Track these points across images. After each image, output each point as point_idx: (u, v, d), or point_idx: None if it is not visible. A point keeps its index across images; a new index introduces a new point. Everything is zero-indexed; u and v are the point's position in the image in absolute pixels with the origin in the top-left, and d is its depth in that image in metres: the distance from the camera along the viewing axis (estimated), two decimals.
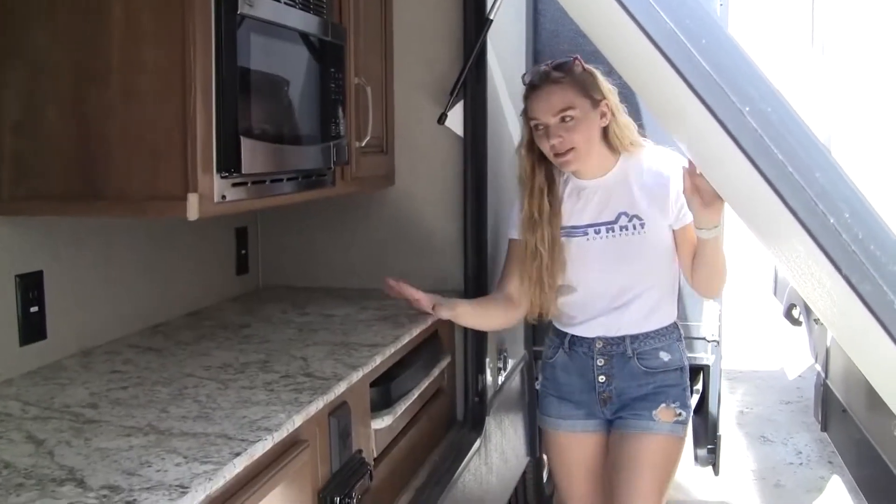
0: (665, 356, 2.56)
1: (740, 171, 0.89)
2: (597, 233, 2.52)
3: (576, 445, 2.68)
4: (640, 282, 2.53)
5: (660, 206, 2.48)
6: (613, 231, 2.51)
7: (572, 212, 2.56)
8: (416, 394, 2.55)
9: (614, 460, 2.62)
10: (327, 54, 2.48)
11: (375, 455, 2.34)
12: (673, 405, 2.55)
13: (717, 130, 0.89)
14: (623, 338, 2.56)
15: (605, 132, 2.48)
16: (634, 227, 2.49)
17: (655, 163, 2.51)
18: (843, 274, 0.87)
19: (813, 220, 0.88)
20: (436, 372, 2.79)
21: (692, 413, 2.68)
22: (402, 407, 2.42)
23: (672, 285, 2.60)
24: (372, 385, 2.32)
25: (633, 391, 2.55)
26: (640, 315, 2.55)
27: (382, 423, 2.32)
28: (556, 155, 2.44)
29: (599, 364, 2.56)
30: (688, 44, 0.87)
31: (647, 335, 2.56)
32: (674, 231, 2.51)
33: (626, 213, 2.50)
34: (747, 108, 0.89)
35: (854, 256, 0.88)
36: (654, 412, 2.54)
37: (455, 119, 3.03)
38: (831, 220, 0.88)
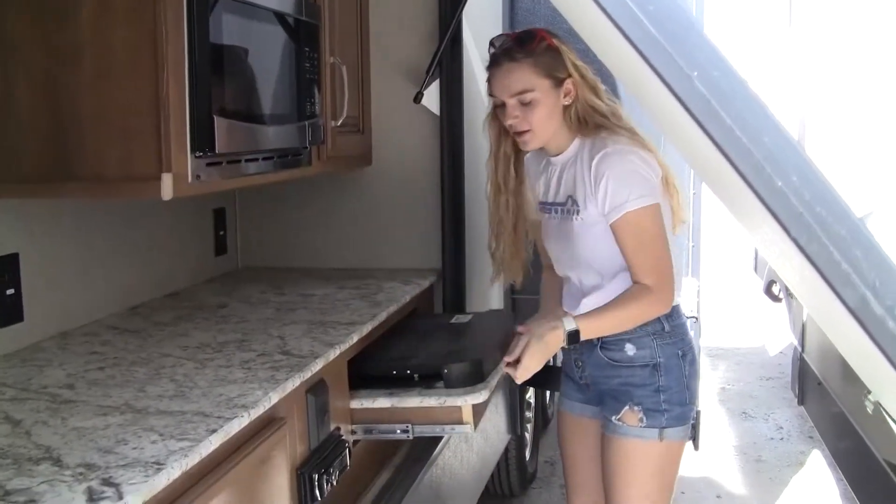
0: (630, 350, 2.39)
1: (693, 137, 0.90)
2: (555, 212, 2.46)
3: (571, 425, 2.61)
4: (590, 272, 2.43)
5: (589, 195, 2.36)
6: (560, 213, 2.43)
7: (543, 187, 2.50)
8: None
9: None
10: (302, 34, 2.48)
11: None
12: (636, 408, 2.40)
13: (668, 96, 0.90)
14: None
15: (567, 110, 2.37)
16: (572, 212, 2.39)
17: (600, 149, 2.35)
18: (792, 236, 0.89)
19: (761, 182, 0.90)
20: None
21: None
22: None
23: None
24: (351, 365, 2.32)
25: (603, 383, 2.43)
26: (601, 304, 2.40)
27: (362, 404, 2.32)
28: (515, 133, 2.38)
29: (575, 348, 2.47)
30: (636, 10, 0.88)
31: None
32: None
33: (571, 197, 2.40)
34: (695, 74, 0.90)
35: (802, 218, 0.89)
36: (615, 416, 2.42)
37: (431, 98, 3.03)
38: (779, 183, 0.89)
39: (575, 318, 2.30)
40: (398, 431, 2.28)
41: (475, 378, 2.23)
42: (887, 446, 3.21)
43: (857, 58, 4.30)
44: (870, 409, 3.34)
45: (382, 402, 2.22)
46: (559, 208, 2.44)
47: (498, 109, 2.40)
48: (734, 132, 0.88)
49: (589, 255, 2.40)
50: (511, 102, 2.32)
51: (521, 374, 2.24)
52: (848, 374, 3.65)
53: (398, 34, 3.12)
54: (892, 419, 2.69)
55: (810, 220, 0.89)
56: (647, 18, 0.88)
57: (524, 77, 2.31)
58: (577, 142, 2.40)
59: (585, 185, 2.35)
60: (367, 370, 2.35)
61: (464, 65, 3.05)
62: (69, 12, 1.91)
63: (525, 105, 2.32)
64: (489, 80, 2.39)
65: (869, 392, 3.07)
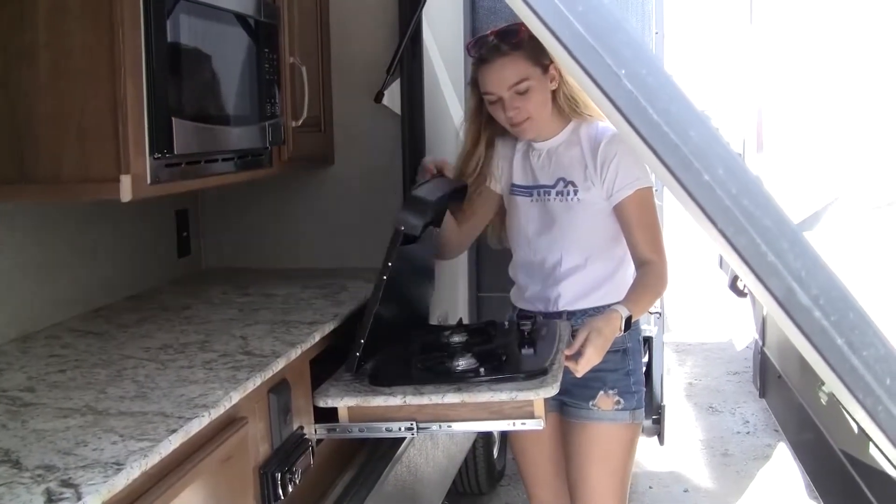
0: None
1: (624, 132, 0.93)
2: (538, 195, 2.54)
3: None
4: (575, 254, 2.51)
5: (593, 177, 2.46)
6: (550, 196, 2.51)
7: (521, 170, 2.58)
8: None
9: (565, 451, 2.64)
10: (261, 34, 2.48)
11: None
12: (611, 392, 2.52)
13: (598, 93, 0.93)
14: (560, 314, 2.54)
15: (555, 95, 2.47)
16: (568, 194, 2.48)
17: (603, 133, 2.48)
18: (720, 228, 0.92)
19: (689, 176, 0.92)
20: None
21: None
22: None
23: (618, 262, 2.55)
24: (315, 365, 2.33)
25: (570, 371, 2.41)
26: (577, 290, 2.53)
27: (431, 399, 2.24)
28: (513, 125, 2.45)
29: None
30: (565, 10, 0.91)
31: (584, 312, 2.52)
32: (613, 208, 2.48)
33: (563, 179, 2.50)
34: (623, 71, 0.92)
35: (729, 211, 0.92)
36: (591, 402, 2.52)
37: (392, 97, 3.04)
38: (706, 177, 0.92)
39: (623, 304, 2.36)
40: (402, 429, 2.24)
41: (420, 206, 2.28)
42: (843, 437, 3.26)
43: (816, 54, 4.36)
44: (824, 400, 3.40)
45: (452, 397, 2.17)
46: (542, 190, 2.53)
47: (492, 107, 2.47)
48: (661, 128, 0.90)
49: (580, 234, 2.51)
50: (508, 95, 2.40)
51: (583, 367, 2.27)
52: (805, 367, 3.70)
53: (358, 34, 3.13)
54: (846, 409, 2.74)
55: (737, 213, 0.91)
56: (576, 18, 0.90)
57: (518, 68, 2.39)
58: (571, 126, 2.52)
59: (587, 168, 2.47)
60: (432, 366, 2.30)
61: (424, 64, 3.06)
62: (25, 14, 1.91)
63: (521, 95, 2.40)
64: (479, 81, 2.46)
65: (823, 383, 3.12)
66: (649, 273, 2.43)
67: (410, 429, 2.22)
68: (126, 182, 1.94)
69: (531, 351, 2.31)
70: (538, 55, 2.40)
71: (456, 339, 2.39)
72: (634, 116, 0.91)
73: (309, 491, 2.25)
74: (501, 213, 2.70)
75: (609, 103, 0.92)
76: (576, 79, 0.99)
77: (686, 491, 4.68)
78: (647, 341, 4.21)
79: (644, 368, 2.67)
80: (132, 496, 1.46)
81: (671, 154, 0.91)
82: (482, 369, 2.21)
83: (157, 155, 2.01)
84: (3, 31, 1.92)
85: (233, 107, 2.37)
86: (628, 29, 0.93)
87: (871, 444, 2.83)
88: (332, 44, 3.11)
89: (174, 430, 1.58)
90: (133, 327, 2.41)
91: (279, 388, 2.06)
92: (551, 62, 2.42)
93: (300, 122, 2.76)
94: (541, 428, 2.20)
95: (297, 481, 2.05)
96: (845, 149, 3.93)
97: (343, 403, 2.23)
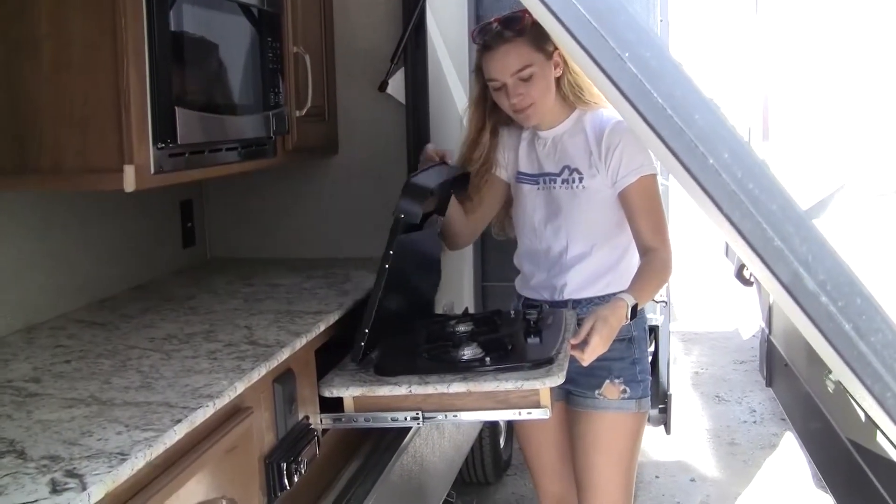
0: None
1: (628, 116, 0.92)
2: (543, 183, 2.54)
3: None
4: (581, 241, 2.51)
5: (597, 164, 2.46)
6: (555, 183, 2.51)
7: (527, 158, 2.58)
8: None
9: (571, 440, 2.64)
10: (264, 24, 2.48)
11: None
12: (617, 381, 2.52)
13: (601, 77, 0.92)
14: (566, 302, 2.55)
15: (559, 83, 2.48)
16: (573, 182, 2.49)
17: (608, 121, 2.48)
18: (725, 213, 0.91)
19: (693, 160, 0.91)
20: None
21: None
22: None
23: (623, 250, 2.55)
24: (320, 355, 2.32)
25: (575, 360, 2.40)
26: (583, 279, 2.53)
27: (436, 389, 2.23)
28: (517, 111, 2.45)
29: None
30: None
31: (590, 301, 2.53)
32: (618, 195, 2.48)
33: (568, 167, 2.50)
34: (627, 54, 0.92)
35: (734, 195, 0.91)
36: (597, 391, 2.53)
37: (396, 86, 3.04)
38: (711, 161, 0.91)
39: (629, 292, 2.35)
40: (407, 418, 2.23)
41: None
42: (850, 425, 3.25)
43: (822, 42, 4.35)
44: (831, 388, 3.39)
45: (457, 387, 2.16)
46: (547, 178, 2.53)
47: (496, 93, 2.47)
48: (665, 111, 0.89)
49: (585, 222, 2.51)
50: (512, 82, 2.41)
51: (589, 356, 2.26)
52: (812, 355, 3.69)
53: (362, 22, 3.12)
54: (853, 397, 2.74)
55: (742, 197, 0.90)
56: (579, 1, 0.89)
57: (522, 54, 2.39)
58: (575, 114, 2.52)
59: (592, 155, 2.47)
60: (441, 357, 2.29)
61: (428, 52, 3.05)
62: (26, 4, 1.90)
63: (525, 81, 2.40)
64: (483, 67, 2.47)
65: (830, 371, 3.11)
66: (654, 261, 2.42)
67: (416, 418, 2.22)
68: (129, 172, 1.93)
69: (537, 340, 2.30)
70: (542, 42, 2.40)
71: (461, 328, 2.39)
72: (638, 100, 0.90)
73: (315, 481, 2.25)
74: (506, 203, 2.70)
75: (613, 87, 0.91)
76: (579, 63, 0.98)
77: (692, 480, 4.68)
78: (653, 330, 4.20)
79: (650, 357, 2.65)
80: (137, 486, 1.46)
81: (676, 138, 0.90)
82: (488, 358, 2.21)
83: (160, 144, 2.00)
84: (4, 22, 1.91)
85: (236, 96, 2.37)
86: (632, 12, 0.92)
87: (878, 432, 2.82)
88: (336, 33, 3.10)
89: (179, 421, 1.58)
90: (137, 318, 2.41)
91: (284, 378, 2.06)
92: (555, 49, 2.43)
93: (304, 111, 2.75)
94: (546, 417, 2.19)
95: (303, 471, 2.05)
96: (850, 137, 3.92)
97: (348, 393, 2.23)
